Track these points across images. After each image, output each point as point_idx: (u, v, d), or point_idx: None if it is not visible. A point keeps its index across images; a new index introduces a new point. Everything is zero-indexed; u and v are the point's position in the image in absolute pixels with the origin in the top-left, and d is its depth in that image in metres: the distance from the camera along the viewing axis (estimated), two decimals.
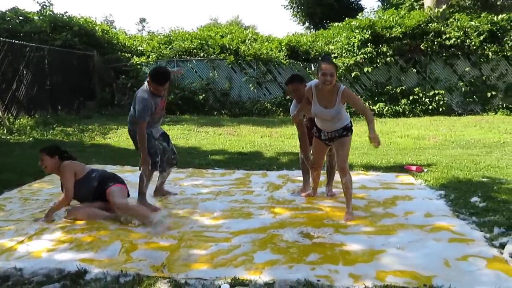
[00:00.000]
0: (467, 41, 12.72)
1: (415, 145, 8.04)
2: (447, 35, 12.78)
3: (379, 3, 25.70)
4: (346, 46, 13.27)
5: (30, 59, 11.00)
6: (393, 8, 15.90)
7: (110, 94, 13.86)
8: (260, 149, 7.56)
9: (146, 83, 3.99)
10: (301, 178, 4.67)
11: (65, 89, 12.31)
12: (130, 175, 5.18)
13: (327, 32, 14.72)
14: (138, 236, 3.29)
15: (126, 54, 14.40)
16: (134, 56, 14.19)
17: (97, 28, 14.68)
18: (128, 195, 3.92)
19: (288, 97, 13.35)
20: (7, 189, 4.75)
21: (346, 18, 14.64)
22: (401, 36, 12.79)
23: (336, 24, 14.63)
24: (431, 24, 13.03)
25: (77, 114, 12.21)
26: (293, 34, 15.36)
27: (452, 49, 12.83)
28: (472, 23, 12.86)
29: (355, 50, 13.11)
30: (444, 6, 13.91)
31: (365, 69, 13.03)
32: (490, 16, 13.13)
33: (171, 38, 15.09)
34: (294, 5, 24.61)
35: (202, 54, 13.98)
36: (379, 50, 12.88)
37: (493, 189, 4.56)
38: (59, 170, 3.76)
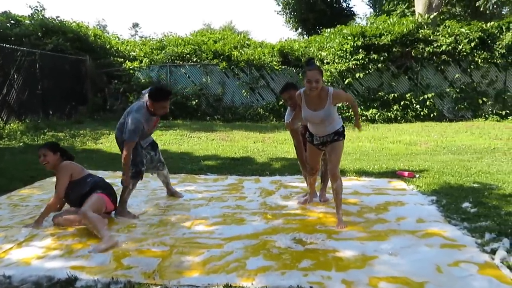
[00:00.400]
0: (457, 47, 12.87)
1: (407, 151, 8.09)
2: (438, 42, 12.92)
3: (371, 10, 25.99)
4: (338, 52, 13.36)
5: (21, 63, 10.92)
6: (385, 14, 16.06)
7: (102, 99, 13.79)
8: (253, 155, 7.55)
9: (144, 102, 3.92)
10: (294, 184, 4.67)
11: (56, 93, 12.22)
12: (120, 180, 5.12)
13: (319, 38, 14.82)
14: (130, 243, 3.26)
15: (118, 59, 14.36)
16: (127, 61, 14.15)
17: (89, 32, 14.63)
18: (110, 210, 3.85)
19: (281, 102, 13.41)
20: None
21: (338, 25, 14.75)
22: (391, 44, 12.90)
23: (329, 30, 14.74)
24: (421, 30, 13.18)
25: (69, 119, 12.12)
26: (285, 40, 15.43)
27: (443, 55, 12.97)
28: (463, 30, 13.03)
29: (347, 56, 13.19)
30: (435, 13, 14.08)
31: (357, 75, 13.11)
32: (480, 23, 13.32)
33: (164, 43, 15.08)
34: (287, 11, 24.76)
35: (195, 59, 13.98)
36: (371, 56, 12.99)
37: (484, 194, 4.60)
38: (57, 169, 3.71)
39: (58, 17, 13.86)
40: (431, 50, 12.89)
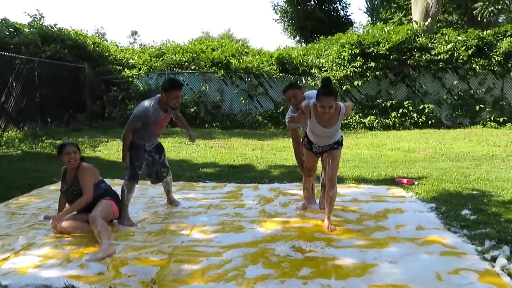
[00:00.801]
0: (455, 55, 12.94)
1: (405, 158, 8.09)
2: (436, 50, 12.99)
3: (369, 18, 26.14)
4: (336, 60, 13.41)
5: (20, 71, 10.92)
6: (382, 22, 16.16)
7: (100, 107, 13.79)
8: (252, 162, 7.54)
9: (156, 97, 4.02)
10: (293, 192, 4.66)
11: (55, 101, 12.21)
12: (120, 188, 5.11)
13: (317, 46, 14.89)
14: (128, 251, 3.24)
15: (117, 67, 14.38)
16: (125, 69, 14.17)
17: (88, 40, 14.66)
18: (115, 218, 3.87)
19: (279, 110, 13.45)
20: None
21: (336, 34, 14.82)
22: (388, 53, 12.96)
23: (327, 38, 14.80)
24: (418, 38, 13.26)
25: (67, 127, 12.11)
26: (284, 48, 15.49)
27: (441, 63, 13.03)
28: (460, 38, 13.11)
29: (345, 64, 13.25)
30: (431, 21, 14.16)
31: (356, 83, 13.16)
32: (477, 31, 13.41)
33: (163, 51, 15.12)
34: (285, 19, 24.88)
35: (193, 67, 14.02)
36: (369, 64, 13.04)
37: (483, 201, 4.59)
38: (79, 169, 3.74)
39: (57, 25, 13.91)
40: (428, 57, 12.96)
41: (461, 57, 12.86)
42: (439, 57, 12.89)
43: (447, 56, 12.88)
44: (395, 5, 21.71)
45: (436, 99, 13.35)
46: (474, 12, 18.81)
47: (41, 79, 11.63)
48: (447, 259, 3.06)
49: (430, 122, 13.05)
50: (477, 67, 12.87)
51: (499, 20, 21.25)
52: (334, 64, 13.43)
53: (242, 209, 4.44)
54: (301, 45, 21.87)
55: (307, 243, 3.39)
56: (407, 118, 13.15)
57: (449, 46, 12.88)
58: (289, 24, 24.88)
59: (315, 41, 17.37)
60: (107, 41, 19.19)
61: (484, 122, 13.07)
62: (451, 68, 13.21)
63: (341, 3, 24.80)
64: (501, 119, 12.95)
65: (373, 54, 13.01)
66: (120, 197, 3.97)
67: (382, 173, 6.35)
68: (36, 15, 13.87)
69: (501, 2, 18.66)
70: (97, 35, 27.54)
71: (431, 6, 14.45)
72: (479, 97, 13.25)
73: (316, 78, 13.18)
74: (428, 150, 9.04)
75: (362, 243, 3.40)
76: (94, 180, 3.77)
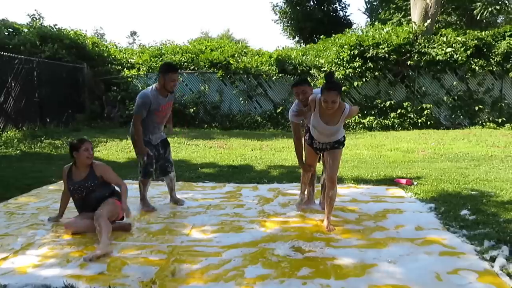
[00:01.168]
0: (454, 56, 12.96)
1: (404, 158, 8.10)
2: (434, 50, 13.01)
3: (368, 19, 26.16)
4: (335, 60, 13.42)
5: (19, 71, 10.90)
6: (380, 23, 16.17)
7: (99, 107, 13.78)
8: (251, 162, 7.54)
9: (154, 85, 4.23)
10: (292, 192, 4.66)
11: (54, 101, 12.19)
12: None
13: (317, 46, 14.89)
14: (127, 251, 3.24)
15: (116, 67, 14.36)
16: (125, 69, 14.16)
17: (87, 40, 14.65)
18: (119, 219, 3.86)
19: (278, 110, 13.46)
20: None
21: (334, 35, 14.83)
22: (387, 56, 12.96)
23: (326, 38, 14.81)
24: (418, 39, 13.27)
25: (66, 127, 12.08)
26: (283, 48, 15.50)
27: (440, 64, 13.05)
28: (459, 38, 13.13)
29: (344, 64, 13.26)
30: (430, 22, 14.18)
31: (355, 83, 13.18)
32: (476, 32, 13.43)
33: (162, 51, 15.12)
34: (284, 20, 24.89)
35: (192, 68, 14.01)
36: (368, 65, 13.04)
37: (482, 202, 4.60)
38: (95, 166, 3.80)
39: (56, 25, 13.89)
40: (427, 58, 12.97)
41: (460, 58, 12.88)
42: (437, 57, 12.90)
43: (446, 57, 12.90)
44: (394, 6, 21.72)
45: (435, 100, 13.37)
46: (474, 12, 18.84)
47: (40, 79, 11.61)
48: (447, 259, 3.06)
49: (429, 122, 13.07)
50: (476, 67, 12.89)
51: (497, 20, 21.31)
52: (333, 65, 13.44)
53: (242, 209, 4.44)
54: (300, 46, 21.87)
55: (306, 243, 3.39)
56: (406, 118, 13.17)
57: (446, 48, 12.91)
58: (288, 24, 24.89)
59: (315, 40, 17.39)
60: (106, 41, 19.17)
61: (483, 123, 13.10)
62: (450, 69, 13.23)
63: (340, 4, 24.85)
64: (500, 120, 12.98)
65: (372, 56, 13.01)
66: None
67: (381, 173, 6.36)
68: (35, 15, 13.87)
69: (500, 2, 18.70)
70: (96, 35, 27.53)
71: (430, 6, 14.46)
72: (478, 97, 13.28)
73: (315, 79, 13.18)
74: (427, 151, 9.05)
75: (362, 243, 3.40)
76: None
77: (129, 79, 13.87)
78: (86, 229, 3.60)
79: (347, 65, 13.19)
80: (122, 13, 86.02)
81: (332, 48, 13.84)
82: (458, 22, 20.80)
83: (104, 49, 15.26)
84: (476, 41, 12.98)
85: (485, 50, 13.09)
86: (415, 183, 5.60)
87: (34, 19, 13.78)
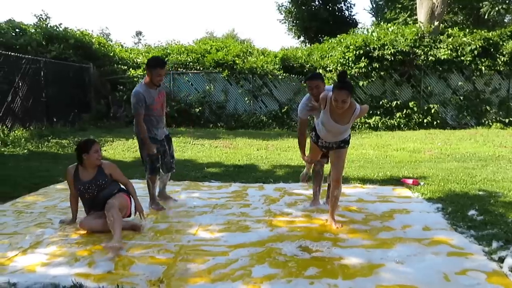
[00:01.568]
0: (460, 56, 12.88)
1: (411, 158, 8.06)
2: (441, 50, 12.93)
3: (373, 19, 26.06)
4: (341, 60, 13.39)
5: (26, 71, 10.98)
6: (386, 23, 16.11)
7: (105, 107, 13.84)
8: (257, 162, 7.54)
9: (141, 81, 4.30)
10: (298, 191, 4.66)
11: (60, 101, 12.27)
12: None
13: (322, 46, 14.87)
14: (135, 250, 3.25)
15: (122, 67, 14.42)
16: (131, 69, 14.22)
17: (93, 40, 14.72)
18: (127, 215, 3.88)
19: (283, 110, 13.46)
20: (0, 202, 4.68)
21: (339, 35, 14.77)
22: (393, 58, 12.89)
23: (331, 40, 14.77)
24: (424, 39, 13.21)
25: (73, 127, 12.15)
26: (288, 48, 15.49)
27: (446, 64, 12.98)
28: (465, 39, 13.05)
29: (349, 64, 13.22)
30: (436, 22, 14.12)
31: (360, 83, 13.13)
32: (482, 31, 13.34)
33: (168, 51, 15.16)
34: (289, 19, 24.84)
35: (198, 67, 14.04)
36: (373, 65, 12.99)
37: (489, 202, 4.57)
38: (104, 165, 3.84)
39: (61, 24, 13.96)
40: (433, 58, 12.91)
41: (466, 57, 12.80)
42: (444, 57, 12.82)
43: (452, 56, 12.82)
44: (399, 6, 21.62)
45: (441, 100, 13.31)
46: (481, 11, 18.71)
47: (47, 79, 11.69)
48: (454, 259, 3.05)
49: (435, 122, 13.00)
50: (483, 67, 12.81)
51: (505, 20, 21.15)
52: (339, 65, 13.40)
53: (248, 209, 4.44)
54: (306, 45, 21.83)
55: (313, 242, 3.39)
56: (412, 118, 13.11)
57: (453, 48, 12.83)
58: (294, 24, 24.83)
59: (320, 40, 17.34)
60: (111, 41, 19.25)
61: (490, 123, 13.01)
62: (457, 69, 13.16)
63: (346, 4, 24.74)
64: (507, 120, 12.90)
65: (378, 56, 12.95)
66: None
67: (387, 173, 6.33)
68: (41, 15, 13.95)
69: (507, 1, 18.55)
70: (102, 35, 27.64)
71: (437, 6, 14.39)
72: (485, 97, 13.20)
73: None
74: (433, 151, 9.01)
75: (369, 243, 3.39)
76: None
77: (135, 79, 13.89)
78: (100, 228, 3.61)
79: (352, 65, 13.15)
80: (128, 13, 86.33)
81: (337, 48, 13.81)
82: (464, 22, 20.66)
83: (110, 49, 15.33)
84: (482, 41, 12.89)
85: (492, 50, 12.99)
86: (422, 183, 5.57)
87: (41, 19, 13.87)
